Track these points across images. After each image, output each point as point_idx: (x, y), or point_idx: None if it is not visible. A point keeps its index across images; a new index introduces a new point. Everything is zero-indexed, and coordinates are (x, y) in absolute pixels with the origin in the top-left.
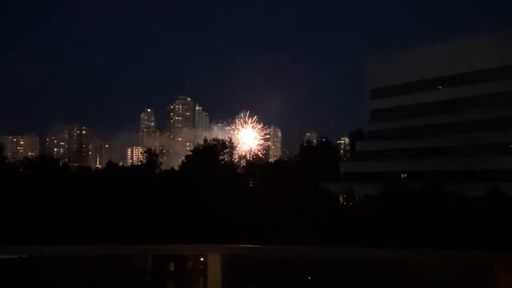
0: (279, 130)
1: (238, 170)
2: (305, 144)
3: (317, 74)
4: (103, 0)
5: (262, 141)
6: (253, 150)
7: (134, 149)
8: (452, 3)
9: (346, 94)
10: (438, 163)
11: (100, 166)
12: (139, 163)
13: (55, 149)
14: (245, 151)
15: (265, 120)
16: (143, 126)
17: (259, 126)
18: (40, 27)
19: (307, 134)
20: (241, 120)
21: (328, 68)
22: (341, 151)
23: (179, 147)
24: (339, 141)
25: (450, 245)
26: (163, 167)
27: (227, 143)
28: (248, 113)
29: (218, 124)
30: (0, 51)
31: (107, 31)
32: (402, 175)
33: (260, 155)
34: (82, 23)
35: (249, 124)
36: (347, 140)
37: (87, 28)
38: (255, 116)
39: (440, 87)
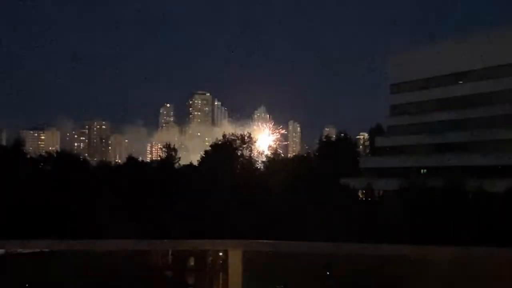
0: (298, 125)
1: (257, 166)
2: (324, 139)
3: (336, 69)
4: None
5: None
6: (271, 146)
7: (153, 144)
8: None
9: (366, 90)
10: (458, 158)
11: (120, 161)
12: (159, 158)
13: (76, 144)
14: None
15: (284, 115)
16: (162, 121)
17: (275, 134)
18: (61, 21)
19: (326, 129)
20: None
21: (347, 63)
22: (360, 147)
23: (198, 142)
24: (358, 136)
25: (470, 241)
26: (182, 162)
27: (246, 138)
28: (265, 109)
29: (229, 119)
30: (21, 45)
31: (126, 28)
32: (421, 171)
33: (280, 149)
34: (103, 19)
35: (264, 127)
36: (366, 135)
37: (107, 23)
38: (271, 116)
39: (460, 82)
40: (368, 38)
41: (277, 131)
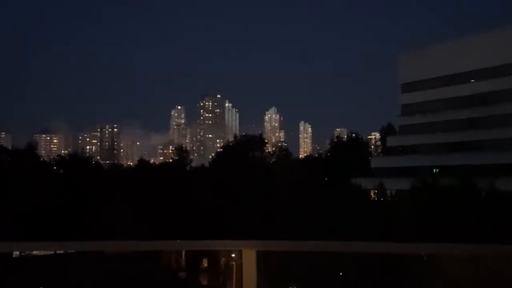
0: (309, 125)
1: (269, 166)
2: (335, 140)
3: (348, 70)
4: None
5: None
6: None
7: (164, 146)
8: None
9: (377, 90)
10: (470, 157)
11: (131, 164)
12: (170, 160)
13: (88, 147)
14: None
15: (295, 116)
16: (174, 123)
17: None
18: (73, 25)
19: (337, 129)
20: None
21: (359, 64)
22: (372, 146)
23: (209, 143)
24: (369, 136)
25: (483, 240)
26: (194, 164)
27: (257, 139)
28: (276, 110)
29: (240, 120)
30: (35, 49)
31: (137, 30)
32: (434, 170)
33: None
34: (113, 23)
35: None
36: (377, 135)
37: (117, 27)
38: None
39: (472, 80)
40: (381, 38)
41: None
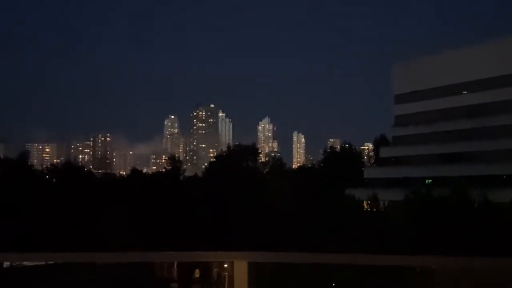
0: (302, 136)
1: (262, 176)
2: (329, 150)
3: (341, 80)
4: (131, 8)
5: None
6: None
7: (158, 156)
8: (476, 9)
9: (370, 100)
10: (463, 168)
11: (124, 173)
12: (163, 170)
13: (80, 156)
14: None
15: (288, 126)
16: (167, 132)
17: None
18: (68, 33)
19: (331, 140)
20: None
21: (353, 75)
22: (365, 157)
23: (202, 153)
24: (362, 147)
25: (476, 250)
26: (187, 174)
27: (250, 149)
28: (269, 120)
29: (233, 130)
30: (32, 57)
31: (130, 41)
32: (427, 181)
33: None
34: (107, 32)
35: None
36: (370, 146)
37: (112, 36)
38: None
39: (465, 92)
40: (375, 49)
41: None
